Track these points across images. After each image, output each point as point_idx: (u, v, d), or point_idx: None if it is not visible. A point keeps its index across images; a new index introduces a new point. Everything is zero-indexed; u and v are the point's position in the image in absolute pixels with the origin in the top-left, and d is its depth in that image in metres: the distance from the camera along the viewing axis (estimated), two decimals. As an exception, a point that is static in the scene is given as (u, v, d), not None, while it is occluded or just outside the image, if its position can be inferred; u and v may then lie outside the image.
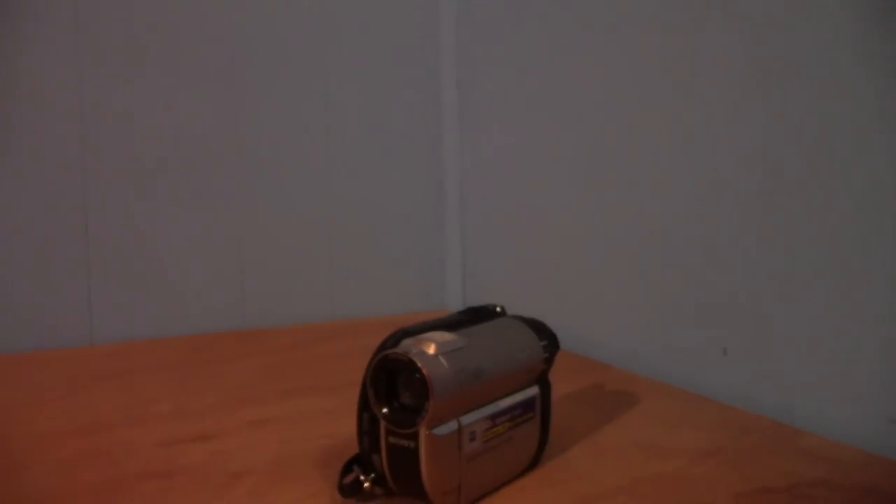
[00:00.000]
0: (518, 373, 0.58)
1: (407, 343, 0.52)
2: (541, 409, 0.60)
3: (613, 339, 0.95)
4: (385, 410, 0.51)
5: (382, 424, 0.52)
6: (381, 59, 1.23)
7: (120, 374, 0.91)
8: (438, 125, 1.27)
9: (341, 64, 1.19)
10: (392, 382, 0.52)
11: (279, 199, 1.17)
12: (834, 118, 0.69)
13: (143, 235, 1.08)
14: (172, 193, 1.10)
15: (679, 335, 0.86)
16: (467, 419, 0.53)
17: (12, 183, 1.01)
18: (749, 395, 0.77)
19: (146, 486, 0.59)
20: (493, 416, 0.55)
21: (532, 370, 0.59)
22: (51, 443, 0.68)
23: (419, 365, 0.49)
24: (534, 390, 0.59)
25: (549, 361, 0.61)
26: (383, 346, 0.53)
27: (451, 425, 0.51)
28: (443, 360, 0.51)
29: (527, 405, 0.58)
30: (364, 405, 0.53)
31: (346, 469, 0.55)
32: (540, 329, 0.61)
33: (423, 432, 0.50)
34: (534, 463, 0.60)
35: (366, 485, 0.54)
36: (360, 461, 0.55)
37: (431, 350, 0.51)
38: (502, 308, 0.62)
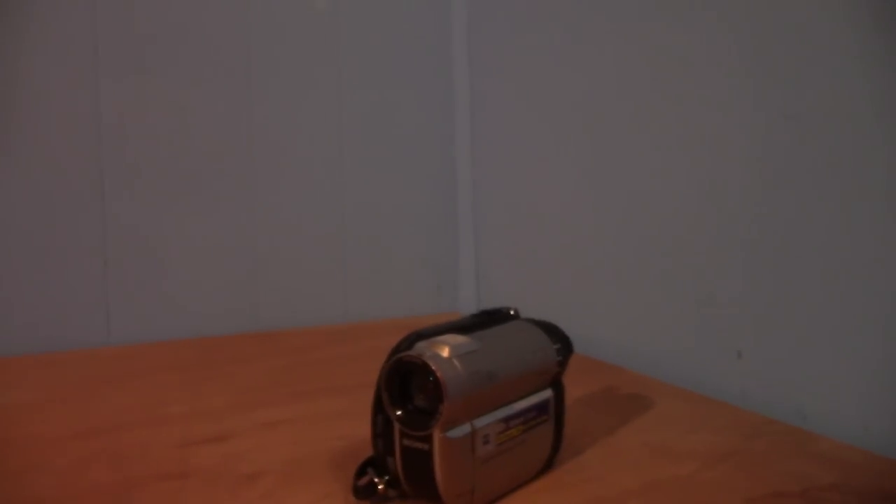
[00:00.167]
0: (531, 376, 0.58)
1: (421, 346, 0.52)
2: (554, 411, 0.60)
3: (627, 342, 0.95)
4: (399, 413, 0.51)
5: (396, 427, 0.52)
6: (393, 62, 1.23)
7: (135, 375, 0.92)
8: (451, 128, 1.27)
9: (354, 67, 1.20)
10: (406, 385, 0.52)
11: (292, 201, 1.17)
12: (845, 114, 0.69)
13: (159, 238, 1.09)
14: (188, 196, 1.10)
15: (693, 338, 0.86)
16: (481, 422, 0.53)
17: (29, 185, 1.01)
18: (763, 399, 0.77)
19: (160, 488, 0.59)
20: (507, 419, 0.55)
21: (545, 373, 0.59)
22: (64, 444, 0.68)
23: (433, 368, 0.50)
24: (547, 393, 0.59)
25: (562, 364, 0.61)
26: (397, 349, 0.53)
27: (465, 428, 0.52)
28: (457, 363, 0.51)
29: (540, 408, 0.58)
30: (378, 407, 0.53)
31: (361, 471, 0.55)
32: (553, 332, 0.61)
33: (437, 435, 0.50)
34: (547, 466, 0.60)
35: (380, 487, 0.54)
36: (374, 463, 0.55)
37: (445, 353, 0.51)
38: (516, 311, 0.62)
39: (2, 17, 0.99)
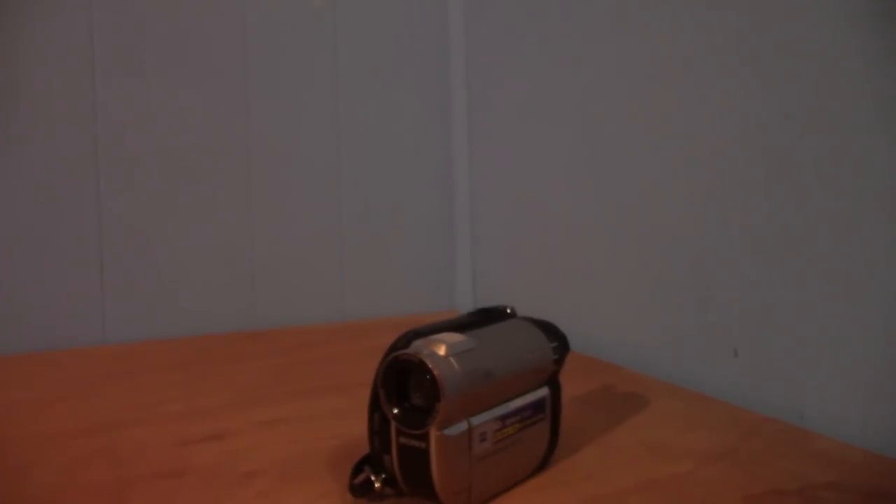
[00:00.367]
0: (528, 374, 0.58)
1: (418, 344, 0.52)
2: (551, 410, 0.60)
3: (624, 341, 0.95)
4: (396, 411, 0.51)
5: (393, 425, 0.52)
6: (390, 63, 1.23)
7: (131, 373, 0.92)
8: (448, 127, 1.27)
9: (351, 68, 1.19)
10: (403, 383, 0.52)
11: (290, 200, 1.17)
12: (845, 114, 0.69)
13: (156, 236, 1.09)
14: (185, 195, 1.10)
15: (690, 336, 0.86)
16: (478, 420, 0.53)
17: (24, 183, 1.01)
18: (760, 397, 0.77)
19: (157, 486, 0.59)
20: (504, 417, 0.55)
21: (542, 371, 0.59)
22: (62, 442, 0.68)
23: (430, 366, 0.50)
24: (544, 391, 0.59)
25: (559, 363, 0.61)
26: (394, 348, 0.53)
27: (462, 426, 0.52)
28: (453, 362, 0.51)
29: (537, 406, 0.58)
30: (375, 406, 0.53)
31: (357, 469, 0.55)
32: (550, 330, 0.61)
33: (433, 433, 0.50)
34: (544, 464, 0.60)
35: (377, 485, 0.54)
36: (370, 461, 0.55)
37: (442, 351, 0.51)
38: (513, 309, 0.62)
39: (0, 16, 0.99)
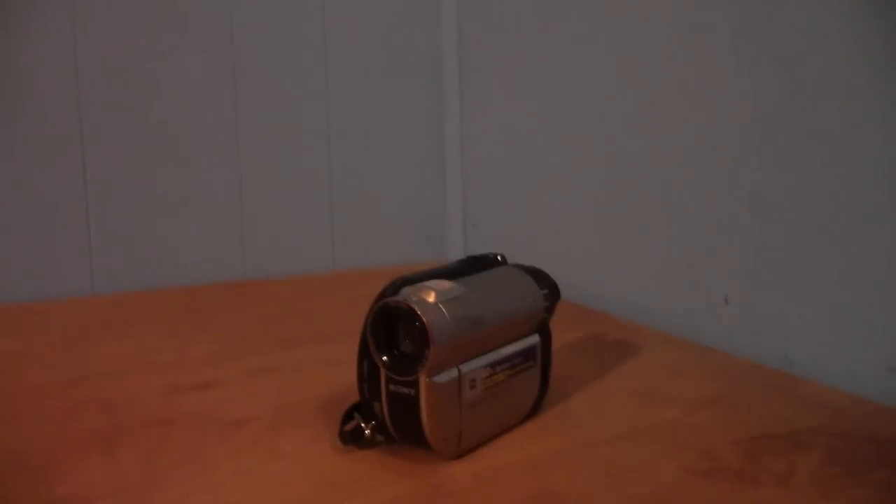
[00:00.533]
0: (518, 321, 0.58)
1: (407, 291, 0.52)
2: (541, 357, 0.60)
3: (614, 289, 0.95)
4: (385, 358, 0.51)
5: (383, 372, 0.52)
6: (380, 13, 1.20)
7: (120, 324, 0.92)
8: (439, 76, 1.26)
9: (340, 16, 1.17)
10: (392, 330, 0.51)
11: (280, 150, 1.16)
12: (838, 61, 0.68)
13: (143, 186, 1.08)
14: (172, 145, 1.09)
15: (680, 284, 0.86)
16: (467, 367, 0.53)
17: (10, 134, 1.00)
18: (750, 345, 0.77)
19: (148, 434, 0.59)
20: (494, 365, 0.55)
21: (533, 319, 0.59)
22: (52, 392, 0.68)
23: (419, 313, 0.49)
24: (534, 339, 0.59)
25: (549, 310, 0.60)
26: (383, 295, 0.53)
27: (452, 373, 0.51)
28: (443, 308, 0.51)
29: (527, 354, 0.58)
30: (364, 353, 0.53)
31: (347, 417, 0.55)
32: (541, 278, 0.61)
33: (423, 380, 0.50)
34: (534, 411, 0.60)
35: (367, 432, 0.54)
36: (360, 409, 0.55)
37: (431, 298, 0.51)
38: (503, 257, 0.62)
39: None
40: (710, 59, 0.80)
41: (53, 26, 1.00)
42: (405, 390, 0.51)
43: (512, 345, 0.57)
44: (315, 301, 1.03)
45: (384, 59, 1.22)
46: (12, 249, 1.01)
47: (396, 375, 0.51)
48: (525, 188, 1.12)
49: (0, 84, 0.99)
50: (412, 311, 0.49)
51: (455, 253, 1.27)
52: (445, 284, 0.53)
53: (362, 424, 0.54)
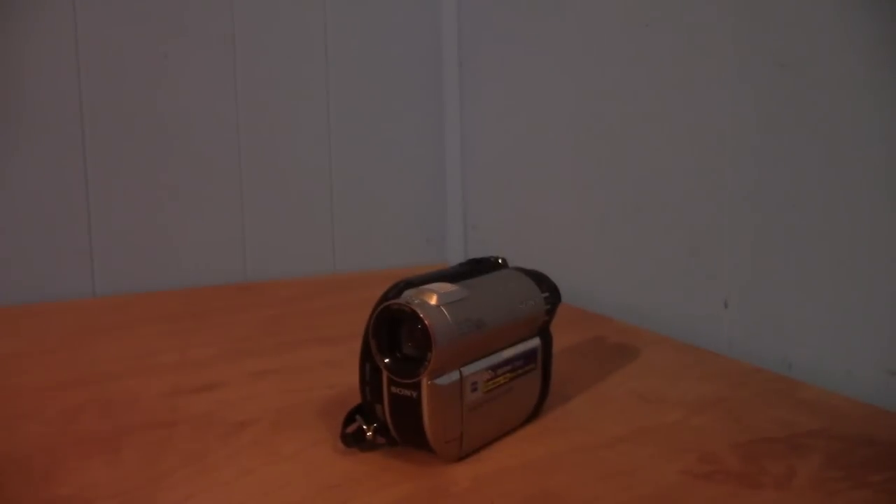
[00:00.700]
0: (520, 324, 0.58)
1: (409, 294, 0.52)
2: (542, 360, 0.60)
3: (615, 292, 0.96)
4: (387, 361, 0.51)
5: (385, 374, 0.52)
6: (381, 11, 1.21)
7: (122, 325, 0.92)
8: (439, 78, 1.26)
9: (341, 16, 1.17)
10: (394, 333, 0.52)
11: (280, 152, 1.16)
12: (839, 62, 0.68)
13: (145, 188, 1.08)
14: (174, 146, 1.09)
15: (680, 288, 0.86)
16: (469, 370, 0.53)
17: (12, 133, 1.00)
18: (749, 348, 0.78)
19: (150, 435, 0.59)
20: (495, 367, 0.55)
21: (534, 322, 0.59)
22: (54, 393, 0.68)
23: (421, 315, 0.49)
24: (535, 342, 0.59)
25: (550, 313, 0.61)
26: (385, 297, 0.53)
27: (453, 375, 0.52)
28: (445, 311, 0.51)
29: (528, 356, 0.58)
30: (366, 355, 0.53)
31: (349, 419, 0.56)
32: (542, 281, 0.61)
33: (425, 382, 0.50)
34: (535, 413, 0.61)
35: (368, 434, 0.54)
36: (362, 411, 0.55)
37: (433, 301, 0.51)
38: (504, 260, 0.62)
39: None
40: (709, 60, 0.81)
41: (55, 25, 1.01)
42: (407, 393, 0.51)
43: (513, 347, 0.57)
44: (316, 303, 1.04)
45: (385, 60, 1.22)
46: (14, 251, 1.01)
47: (398, 378, 0.51)
48: (526, 191, 1.13)
49: (0, 84, 0.99)
50: (415, 313, 0.50)
51: (455, 256, 1.27)
52: (447, 287, 0.53)
53: (364, 427, 0.55)
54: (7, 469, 0.54)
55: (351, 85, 1.20)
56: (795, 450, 0.55)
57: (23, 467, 0.54)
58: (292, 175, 1.17)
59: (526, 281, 0.60)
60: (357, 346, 0.53)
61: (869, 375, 0.67)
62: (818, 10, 0.70)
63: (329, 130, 1.19)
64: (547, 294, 0.60)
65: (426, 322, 0.49)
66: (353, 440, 0.55)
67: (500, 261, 0.62)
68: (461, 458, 0.54)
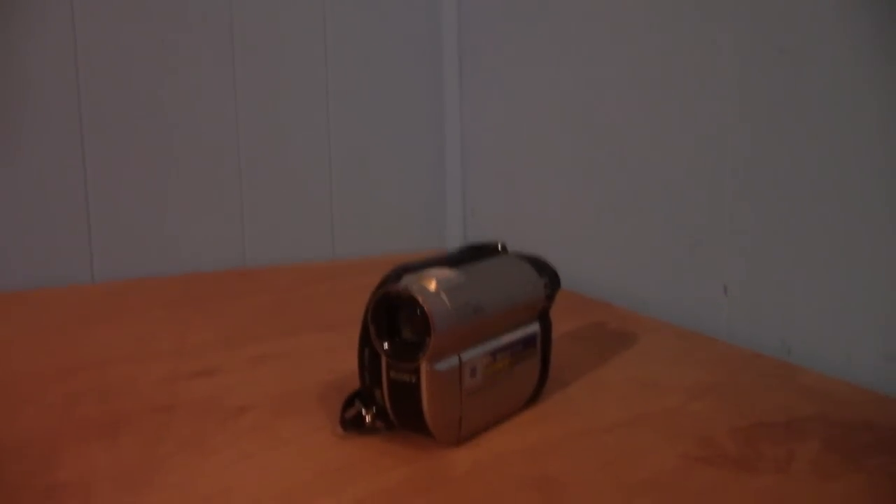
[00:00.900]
0: (519, 309, 0.58)
1: (408, 279, 0.52)
2: (541, 345, 0.60)
3: (614, 278, 0.96)
4: (386, 346, 0.51)
5: (384, 359, 0.52)
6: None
7: (120, 311, 0.92)
8: (440, 63, 1.25)
9: (341, 7, 1.17)
10: (393, 318, 0.52)
11: (279, 138, 1.16)
12: (839, 49, 0.68)
13: (144, 174, 1.08)
14: (173, 132, 1.09)
15: (680, 274, 0.86)
16: (468, 354, 0.53)
17: (9, 122, 0.99)
18: (748, 333, 0.78)
19: (149, 420, 0.59)
20: (494, 352, 0.55)
21: (533, 307, 0.59)
22: (53, 379, 0.68)
23: (420, 300, 0.49)
24: (534, 327, 0.59)
25: (550, 299, 0.61)
26: (384, 283, 0.53)
27: (452, 360, 0.52)
28: (444, 296, 0.51)
29: (527, 341, 0.58)
30: (365, 340, 0.53)
31: (348, 403, 0.56)
32: (541, 266, 0.61)
33: (424, 367, 0.50)
34: (534, 398, 0.61)
35: (367, 419, 0.54)
36: (361, 396, 0.55)
37: (432, 286, 0.51)
38: (503, 245, 0.62)
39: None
40: (710, 51, 0.80)
41: (53, 15, 1.00)
42: (406, 377, 0.51)
43: (512, 332, 0.57)
44: (315, 289, 1.04)
45: (384, 47, 1.21)
46: (12, 237, 1.01)
47: (397, 362, 0.51)
48: (525, 177, 1.12)
49: (0, 72, 0.99)
50: (414, 298, 0.50)
51: (455, 241, 1.27)
52: (446, 272, 0.53)
53: (363, 411, 0.55)
54: (6, 454, 0.54)
55: (350, 71, 1.19)
56: (794, 434, 0.55)
57: (22, 453, 0.54)
58: (291, 161, 1.17)
59: (525, 266, 0.60)
60: (356, 331, 0.53)
61: (868, 361, 0.67)
62: (820, 7, 0.69)
63: (328, 116, 1.18)
64: (546, 280, 0.60)
65: (425, 307, 0.49)
66: (353, 425, 0.55)
67: (499, 246, 0.62)
68: (460, 443, 0.54)
